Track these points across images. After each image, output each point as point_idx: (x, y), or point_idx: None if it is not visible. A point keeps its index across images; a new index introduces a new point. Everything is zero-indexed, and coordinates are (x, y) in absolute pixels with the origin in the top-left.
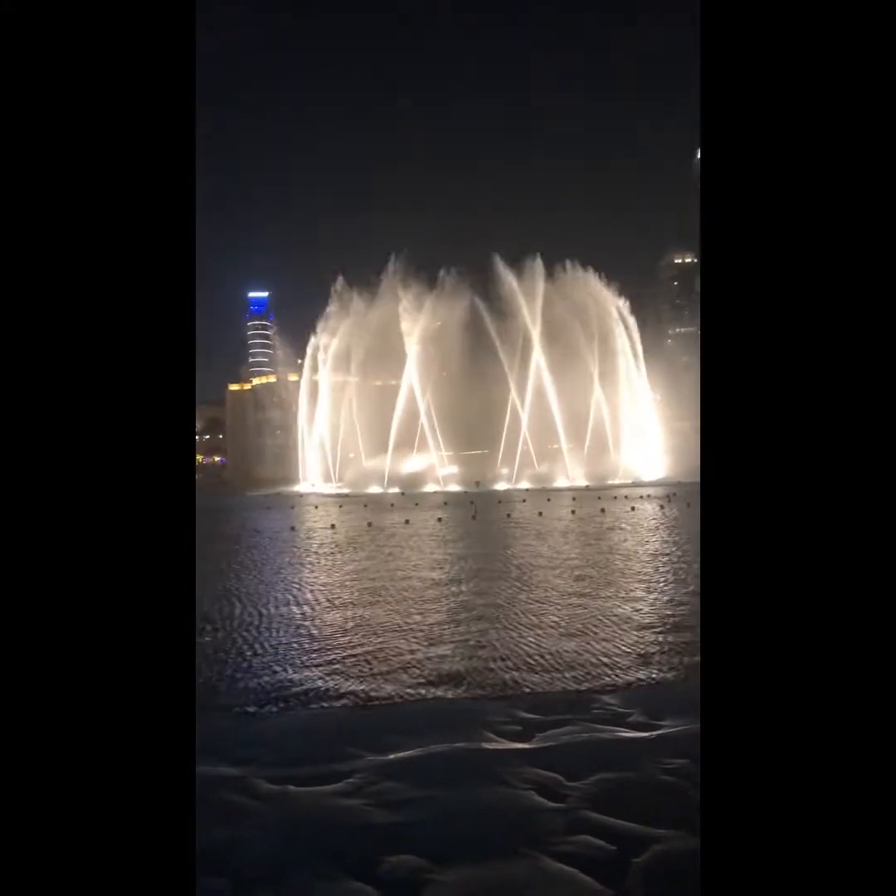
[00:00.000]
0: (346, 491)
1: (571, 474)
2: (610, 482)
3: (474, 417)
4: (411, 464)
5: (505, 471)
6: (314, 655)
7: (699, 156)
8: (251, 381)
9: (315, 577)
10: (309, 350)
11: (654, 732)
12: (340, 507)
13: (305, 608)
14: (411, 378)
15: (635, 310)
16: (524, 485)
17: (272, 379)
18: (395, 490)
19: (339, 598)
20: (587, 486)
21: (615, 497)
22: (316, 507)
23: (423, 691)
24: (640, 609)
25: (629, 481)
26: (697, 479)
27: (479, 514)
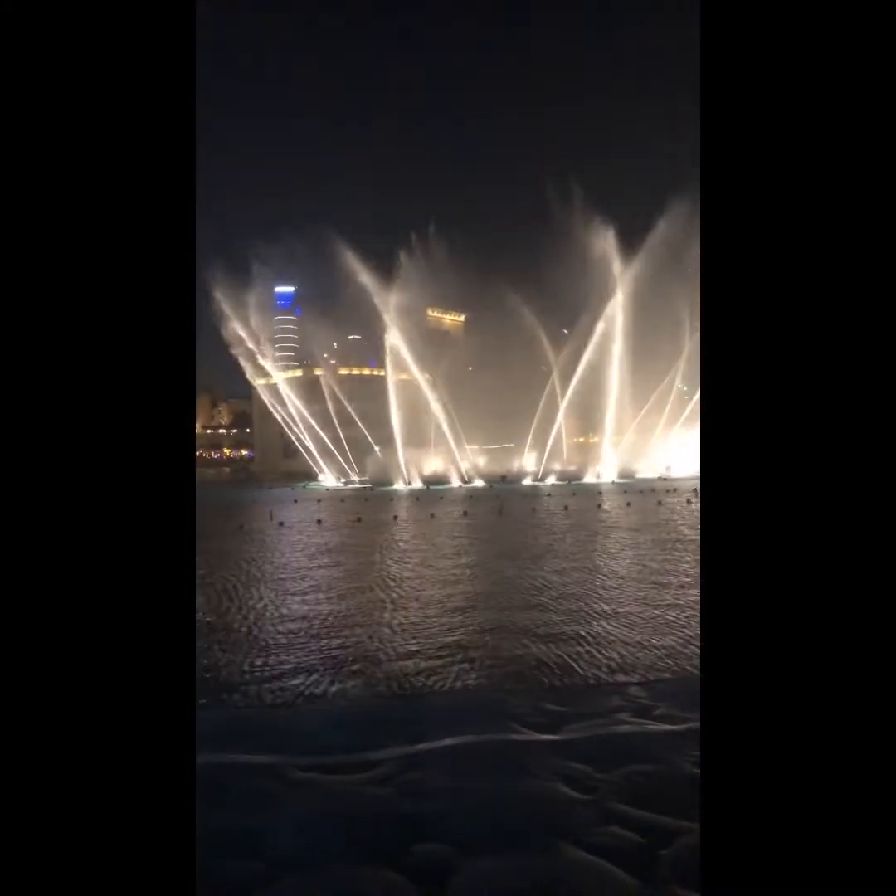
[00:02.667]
0: (369, 485)
1: (602, 469)
2: (640, 476)
3: (502, 409)
4: (435, 458)
5: (531, 466)
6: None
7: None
8: (278, 376)
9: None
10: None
11: (683, 725)
12: (366, 500)
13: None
14: (435, 373)
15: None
16: (551, 480)
17: (299, 373)
18: (419, 485)
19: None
20: (613, 481)
21: (641, 491)
22: (342, 501)
23: None
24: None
25: (656, 476)
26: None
27: (504, 510)
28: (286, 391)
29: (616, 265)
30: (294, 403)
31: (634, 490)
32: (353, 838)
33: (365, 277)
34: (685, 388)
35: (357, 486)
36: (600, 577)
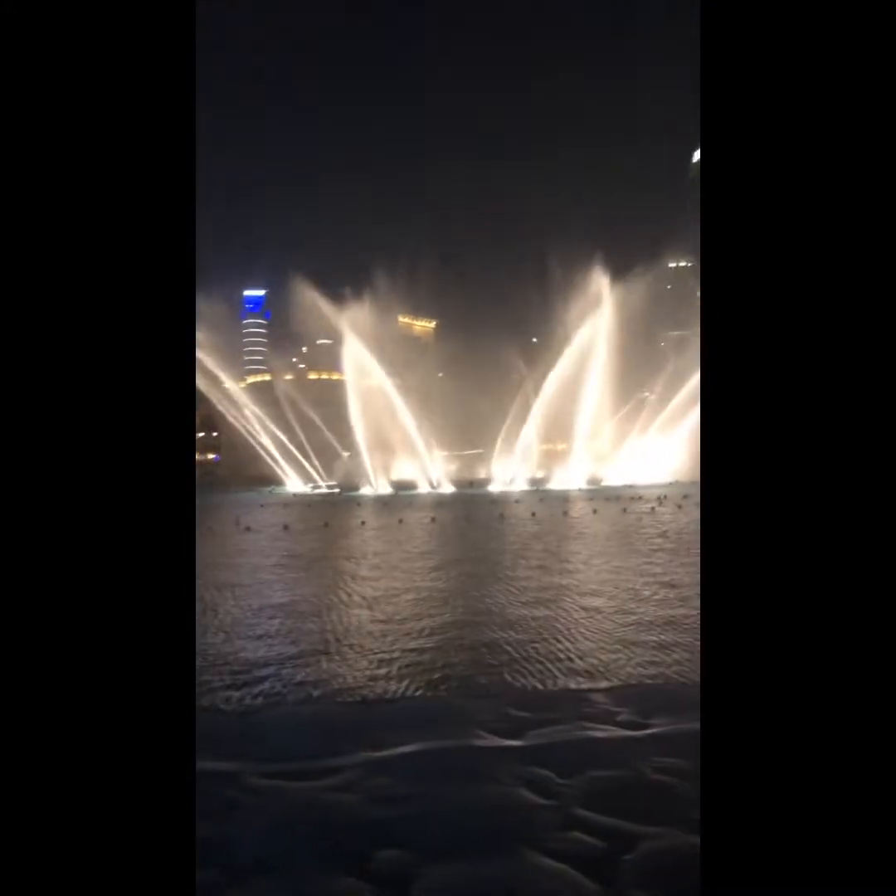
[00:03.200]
0: (337, 490)
1: (569, 476)
2: (605, 484)
3: (472, 416)
4: (404, 464)
5: (500, 472)
6: None
7: (696, 158)
8: (246, 380)
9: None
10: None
11: (645, 731)
12: (334, 505)
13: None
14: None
15: (630, 312)
16: (518, 487)
17: (267, 377)
18: (387, 490)
19: None
20: (580, 488)
21: (607, 499)
22: (309, 506)
23: None
24: None
25: (622, 484)
26: (689, 480)
27: (473, 516)
28: (241, 398)
29: (597, 286)
30: (252, 410)
31: (600, 497)
32: (316, 845)
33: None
34: (651, 396)
35: (324, 491)
36: (574, 582)
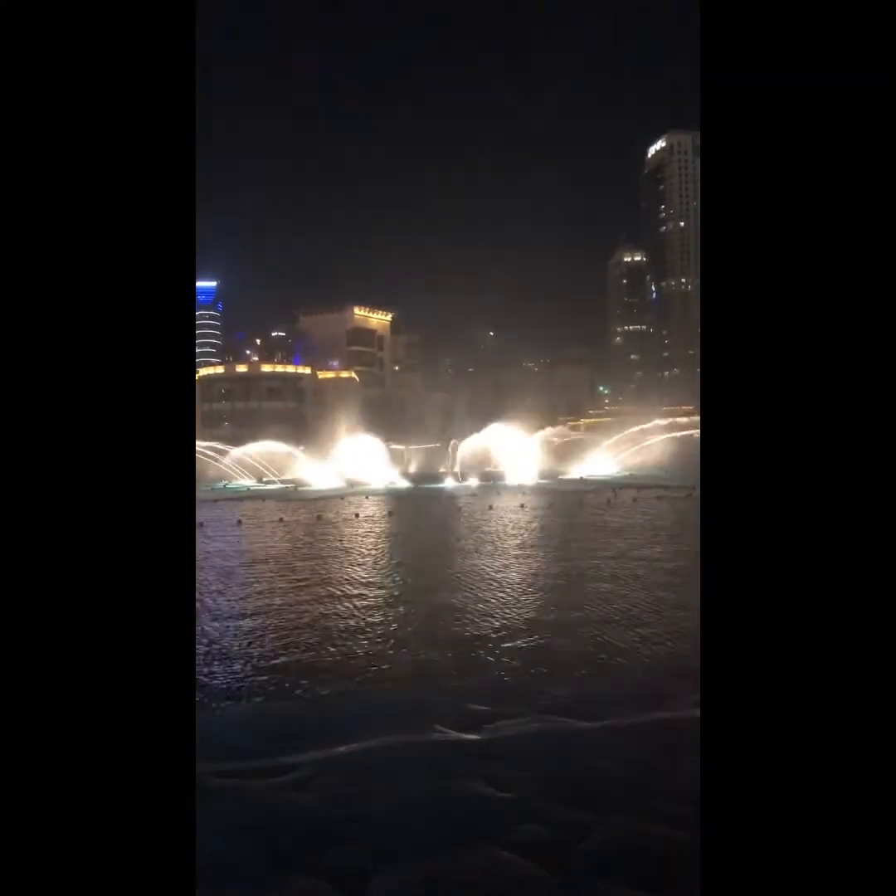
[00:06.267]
0: (291, 485)
1: (526, 471)
2: (562, 479)
3: (427, 410)
4: (358, 459)
5: (456, 467)
6: None
7: (651, 152)
8: (198, 372)
9: None
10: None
11: (601, 723)
12: (289, 500)
13: None
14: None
15: (584, 306)
16: (475, 481)
17: (220, 369)
18: (341, 484)
19: None
20: (536, 483)
21: (562, 493)
22: (263, 500)
23: None
24: None
25: (579, 477)
26: (653, 473)
27: (429, 509)
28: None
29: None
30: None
31: (556, 491)
32: (273, 845)
33: None
34: (607, 391)
35: (278, 486)
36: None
